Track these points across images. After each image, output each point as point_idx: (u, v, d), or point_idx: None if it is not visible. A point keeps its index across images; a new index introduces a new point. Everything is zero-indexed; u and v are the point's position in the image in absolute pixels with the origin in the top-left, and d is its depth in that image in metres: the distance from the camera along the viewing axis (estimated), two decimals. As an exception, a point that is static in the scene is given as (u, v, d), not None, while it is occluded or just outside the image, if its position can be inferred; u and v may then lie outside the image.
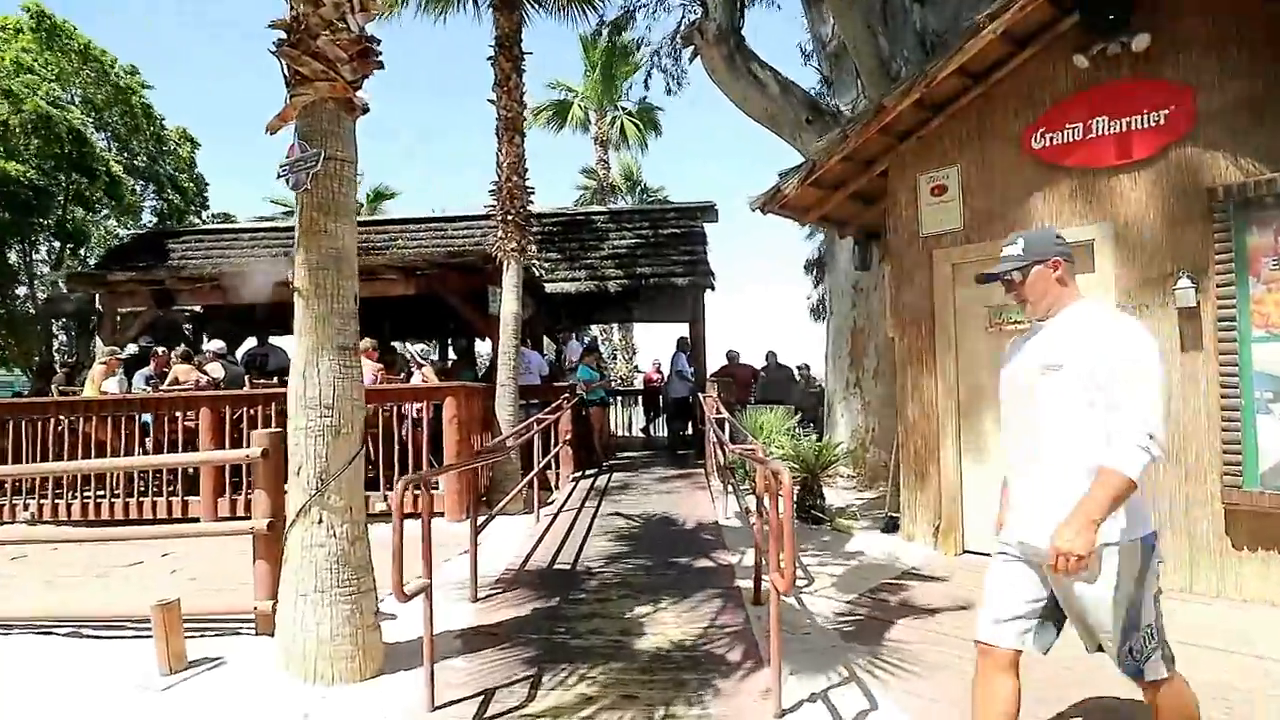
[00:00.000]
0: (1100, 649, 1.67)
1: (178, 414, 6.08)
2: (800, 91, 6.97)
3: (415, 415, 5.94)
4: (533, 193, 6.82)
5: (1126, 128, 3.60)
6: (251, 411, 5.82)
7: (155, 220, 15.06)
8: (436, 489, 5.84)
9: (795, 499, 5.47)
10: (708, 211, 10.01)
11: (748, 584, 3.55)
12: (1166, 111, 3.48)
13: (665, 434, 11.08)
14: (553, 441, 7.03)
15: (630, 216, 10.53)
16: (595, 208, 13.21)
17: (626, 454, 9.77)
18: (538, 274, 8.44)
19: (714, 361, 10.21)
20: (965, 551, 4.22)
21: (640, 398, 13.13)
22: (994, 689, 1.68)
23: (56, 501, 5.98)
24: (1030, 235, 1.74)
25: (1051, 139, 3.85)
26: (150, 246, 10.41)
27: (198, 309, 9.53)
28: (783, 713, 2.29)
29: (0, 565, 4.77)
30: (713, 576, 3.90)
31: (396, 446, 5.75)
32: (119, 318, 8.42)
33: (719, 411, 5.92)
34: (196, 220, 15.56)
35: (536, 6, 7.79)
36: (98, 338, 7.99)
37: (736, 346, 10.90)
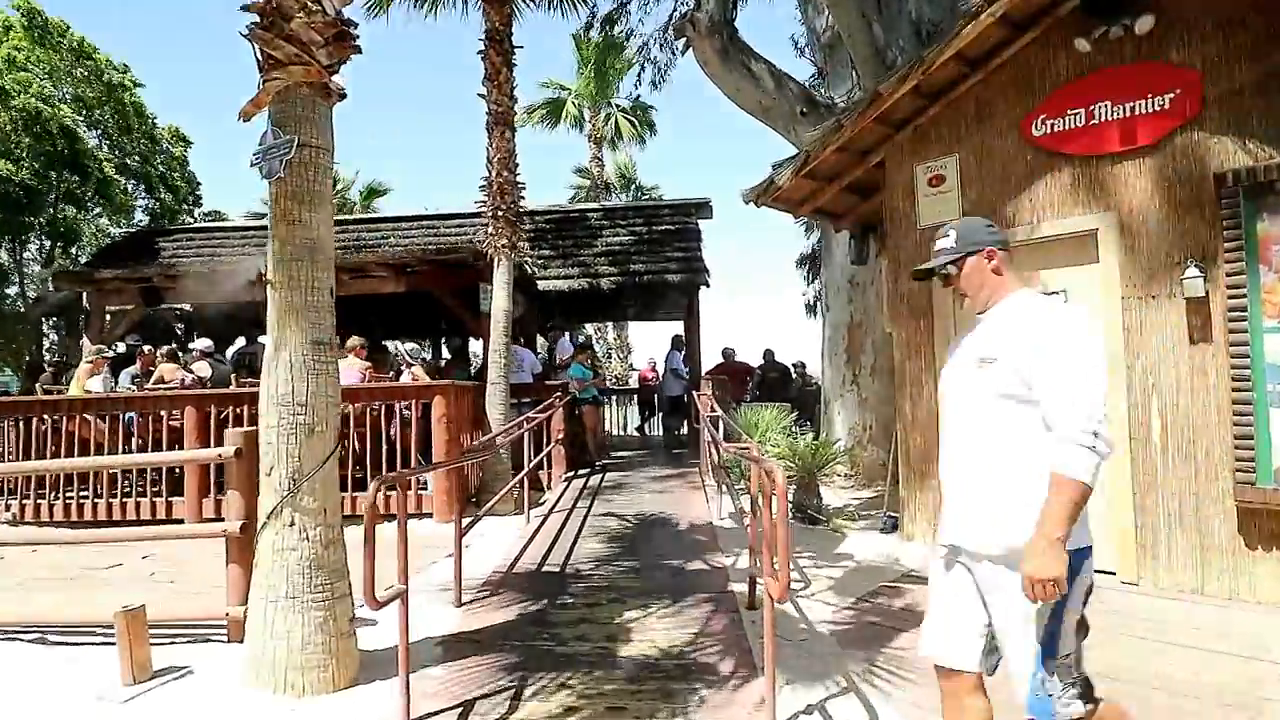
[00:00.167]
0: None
1: (162, 413, 5.97)
2: (795, 84, 6.86)
3: (404, 414, 5.83)
4: (524, 188, 6.72)
5: (1130, 113, 3.49)
6: (237, 410, 5.70)
7: (147, 219, 14.91)
8: (425, 489, 5.74)
9: (792, 499, 5.42)
10: (702, 208, 9.90)
11: (742, 588, 3.44)
12: (1171, 95, 3.37)
13: (660, 433, 10.97)
14: (545, 441, 6.93)
15: (624, 213, 10.43)
16: (589, 204, 13.10)
17: (621, 453, 9.66)
18: (530, 271, 8.32)
19: (709, 359, 10.11)
20: (966, 551, 4.10)
21: (635, 396, 13.03)
22: (967, 716, 1.55)
23: (39, 502, 5.88)
24: (962, 225, 1.66)
25: (1052, 126, 3.74)
26: (142, 245, 10.29)
27: (187, 307, 9.40)
28: (777, 725, 2.17)
29: (-25, 569, 4.65)
30: (706, 580, 3.78)
31: (385, 446, 5.65)
32: (108, 316, 8.30)
33: (713, 410, 5.81)
34: (189, 219, 15.42)
35: (528, 0, 7.68)
36: (85, 336, 7.86)
37: (732, 344, 10.80)
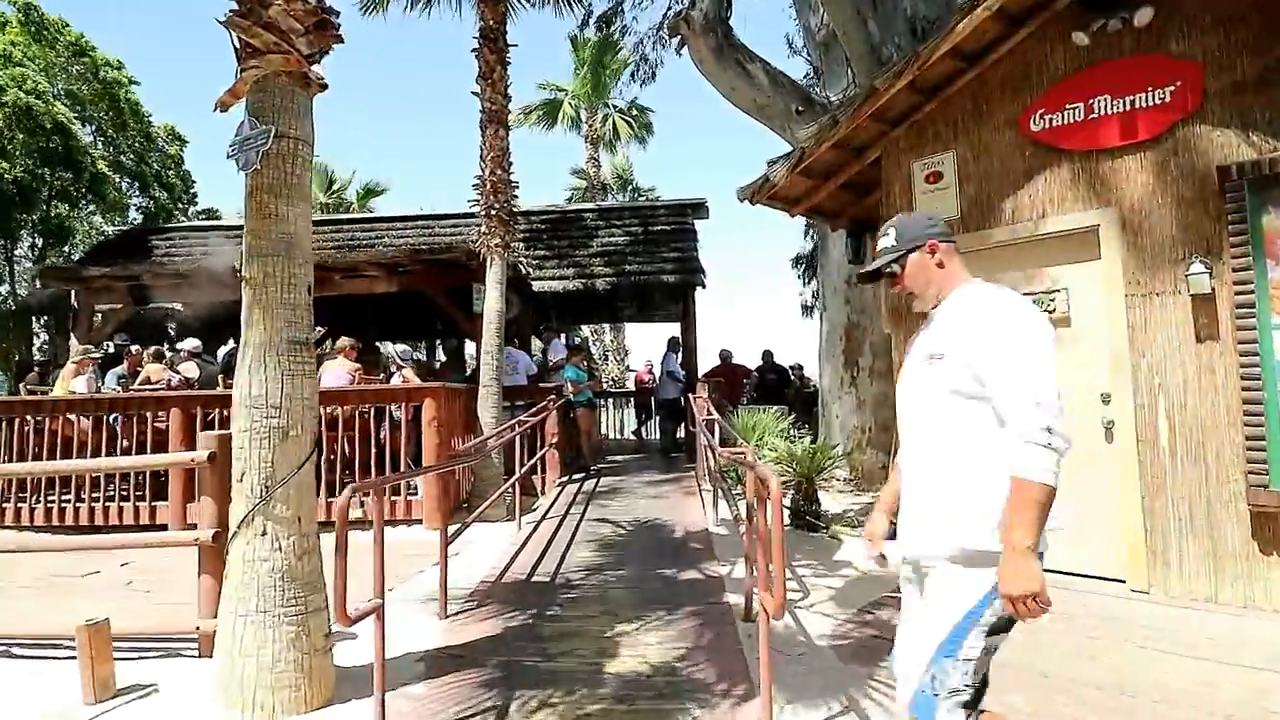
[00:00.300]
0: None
1: (147, 414, 5.84)
2: (790, 82, 6.79)
3: (394, 417, 5.72)
4: (517, 187, 6.63)
5: (1130, 106, 3.41)
6: (224, 413, 5.57)
7: (141, 218, 14.78)
8: (415, 494, 5.62)
9: (789, 505, 5.31)
10: (698, 209, 9.82)
11: (738, 599, 3.32)
12: (1172, 88, 3.29)
13: (657, 436, 10.86)
14: (539, 445, 6.81)
15: (620, 213, 10.35)
16: (585, 205, 13.02)
17: (617, 457, 9.54)
18: (525, 271, 8.23)
19: (706, 362, 10.01)
20: (967, 557, 3.99)
21: (632, 399, 12.92)
22: None
23: (19, 506, 5.74)
24: (900, 222, 1.58)
25: (1051, 121, 3.66)
26: (135, 243, 10.16)
27: (178, 307, 9.27)
28: (773, 746, 2.06)
29: (-53, 579, 4.50)
30: (701, 590, 3.67)
31: (374, 449, 5.53)
32: (98, 316, 8.17)
33: (709, 413, 5.70)
34: (183, 218, 15.27)
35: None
36: (72, 335, 7.73)
37: (729, 346, 10.71)
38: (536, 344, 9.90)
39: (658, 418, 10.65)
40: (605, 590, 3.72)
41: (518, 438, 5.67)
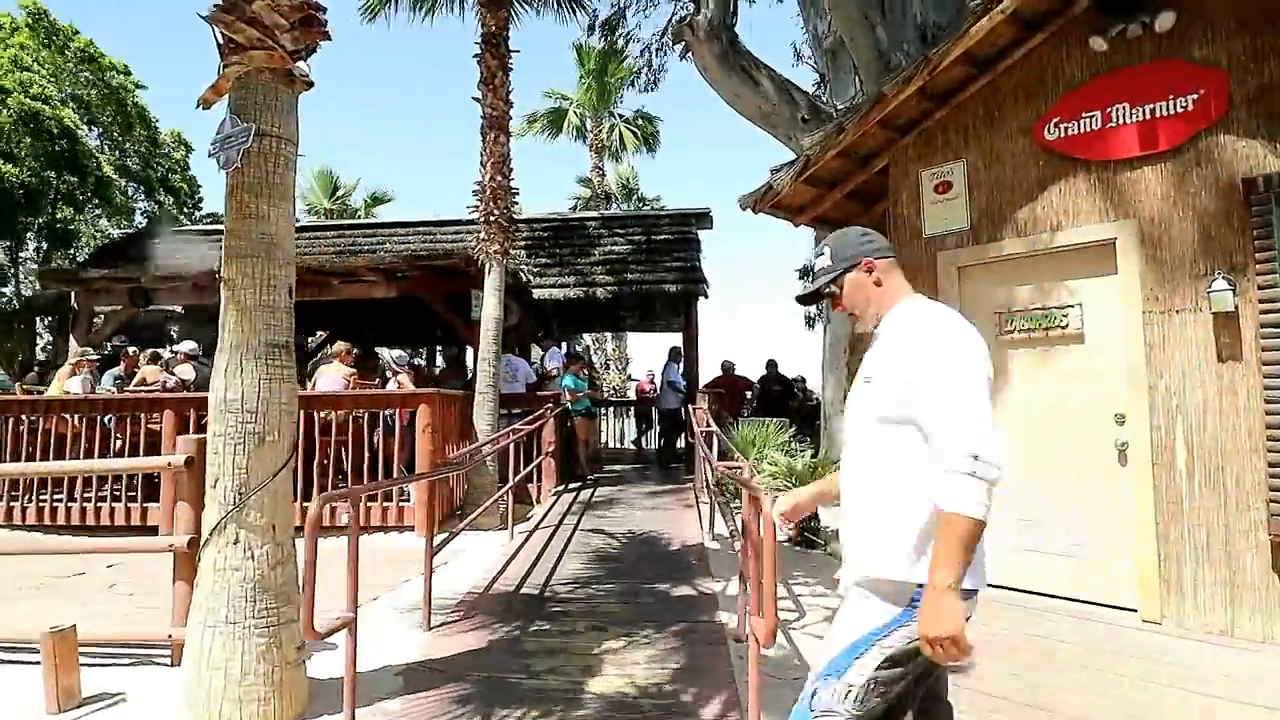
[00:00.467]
0: None
1: (141, 416, 5.80)
2: (797, 90, 6.71)
3: (389, 423, 5.64)
4: (517, 193, 6.58)
5: (1150, 115, 3.29)
6: (216, 417, 5.51)
7: (146, 222, 14.90)
8: (407, 500, 5.53)
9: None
10: (702, 218, 9.74)
11: (731, 618, 3.19)
12: (1195, 96, 3.18)
13: (657, 447, 10.73)
14: (535, 453, 6.71)
15: (623, 222, 10.27)
16: (587, 213, 12.99)
17: (615, 467, 9.41)
18: (525, 279, 8.16)
19: (708, 372, 9.89)
20: (973, 580, 3.84)
21: (632, 409, 12.80)
22: None
23: (11, 504, 5.70)
24: (835, 240, 1.50)
25: (1066, 129, 3.55)
26: (138, 246, 10.19)
27: (179, 309, 9.27)
28: (762, 781, 1.93)
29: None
30: (693, 607, 3.54)
31: (368, 454, 5.46)
32: (100, 318, 8.17)
33: (708, 425, 5.58)
34: (188, 223, 15.40)
35: (525, 5, 7.60)
36: (72, 337, 7.72)
37: (732, 356, 10.59)
38: (537, 352, 9.82)
39: (658, 428, 10.53)
40: (595, 604, 3.60)
41: (512, 446, 5.57)
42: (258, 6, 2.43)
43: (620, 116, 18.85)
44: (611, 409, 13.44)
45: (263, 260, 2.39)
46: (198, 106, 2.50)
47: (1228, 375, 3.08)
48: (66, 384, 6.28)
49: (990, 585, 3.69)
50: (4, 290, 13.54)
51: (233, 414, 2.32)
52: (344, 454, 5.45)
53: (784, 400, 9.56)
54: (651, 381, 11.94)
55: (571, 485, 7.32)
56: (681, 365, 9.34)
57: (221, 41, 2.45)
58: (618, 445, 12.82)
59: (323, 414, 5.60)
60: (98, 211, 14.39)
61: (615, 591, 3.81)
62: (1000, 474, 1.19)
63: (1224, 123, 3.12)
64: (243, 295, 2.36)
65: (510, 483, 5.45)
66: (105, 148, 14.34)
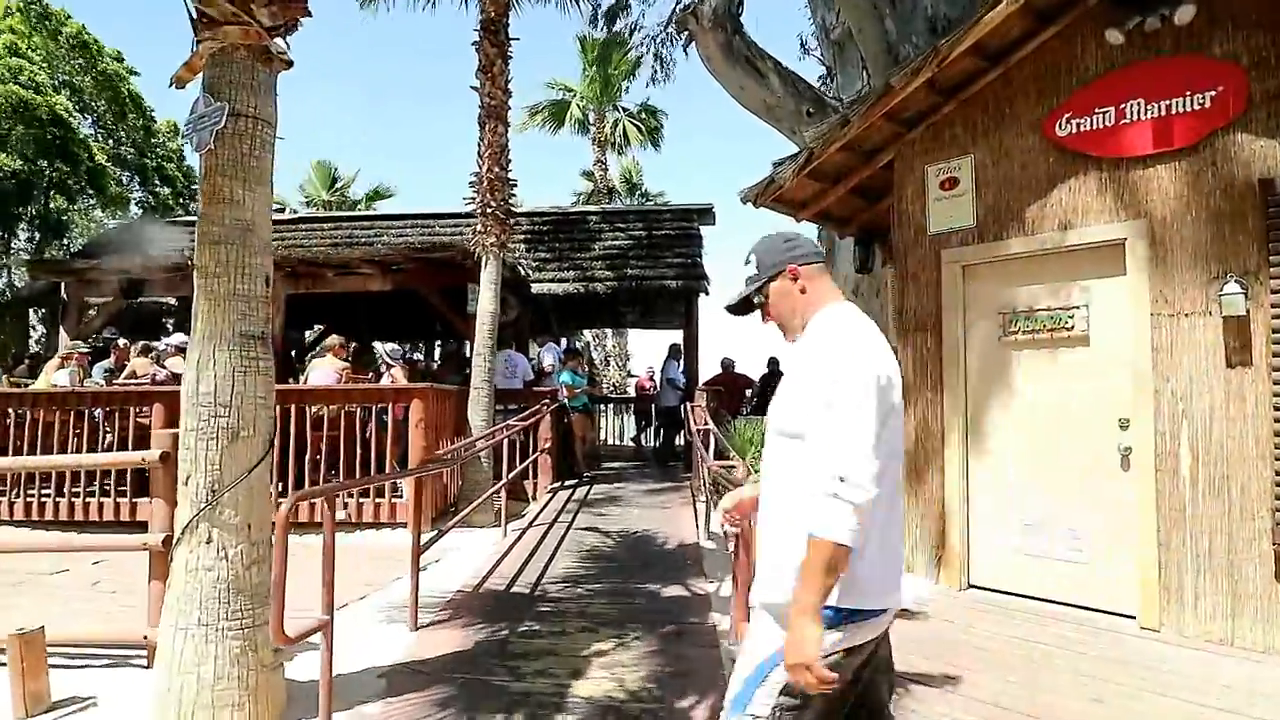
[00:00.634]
0: None
1: (131, 409, 5.71)
2: (802, 83, 6.58)
3: (382, 418, 5.55)
4: (515, 185, 6.47)
5: (1165, 112, 3.19)
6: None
7: (142, 213, 14.76)
8: (400, 496, 5.45)
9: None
10: (704, 214, 9.62)
11: (724, 618, 3.12)
12: (1213, 93, 3.07)
13: (657, 444, 10.66)
14: (532, 449, 6.63)
15: (624, 216, 10.17)
16: (588, 207, 12.86)
17: (613, 464, 9.34)
18: (524, 273, 8.06)
19: (708, 369, 9.80)
20: (971, 586, 3.77)
21: (632, 405, 12.72)
22: None
23: (-1, 500, 5.62)
24: (760, 247, 1.44)
25: (1078, 125, 3.44)
26: (132, 236, 10.08)
27: (173, 301, 9.17)
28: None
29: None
30: (686, 608, 3.47)
31: (360, 450, 5.38)
32: (93, 310, 8.07)
33: (705, 423, 5.50)
34: (184, 213, 15.28)
35: (525, -10, 7.47)
36: (61, 328, 7.62)
37: (733, 354, 10.49)
38: (535, 349, 9.73)
39: (657, 425, 10.45)
40: (586, 605, 3.53)
41: (506, 442, 5.49)
42: (234, -20, 2.33)
43: (624, 110, 18.67)
44: (611, 406, 13.36)
45: (237, 247, 2.29)
46: (171, 85, 2.40)
47: (1236, 381, 2.99)
48: (54, 377, 6.20)
49: (990, 590, 3.66)
50: (-4, 281, 13.45)
51: (205, 407, 2.23)
52: (337, 449, 5.38)
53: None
54: (651, 378, 11.86)
55: (568, 482, 7.25)
56: (681, 362, 9.25)
57: (195, 16, 2.34)
58: (617, 442, 12.75)
59: (314, 409, 5.52)
60: (92, 201, 14.24)
61: (607, 591, 3.74)
62: (870, 497, 1.12)
63: (1242, 121, 3.01)
64: (216, 283, 2.27)
65: (504, 479, 5.37)
66: (99, 136, 14.17)
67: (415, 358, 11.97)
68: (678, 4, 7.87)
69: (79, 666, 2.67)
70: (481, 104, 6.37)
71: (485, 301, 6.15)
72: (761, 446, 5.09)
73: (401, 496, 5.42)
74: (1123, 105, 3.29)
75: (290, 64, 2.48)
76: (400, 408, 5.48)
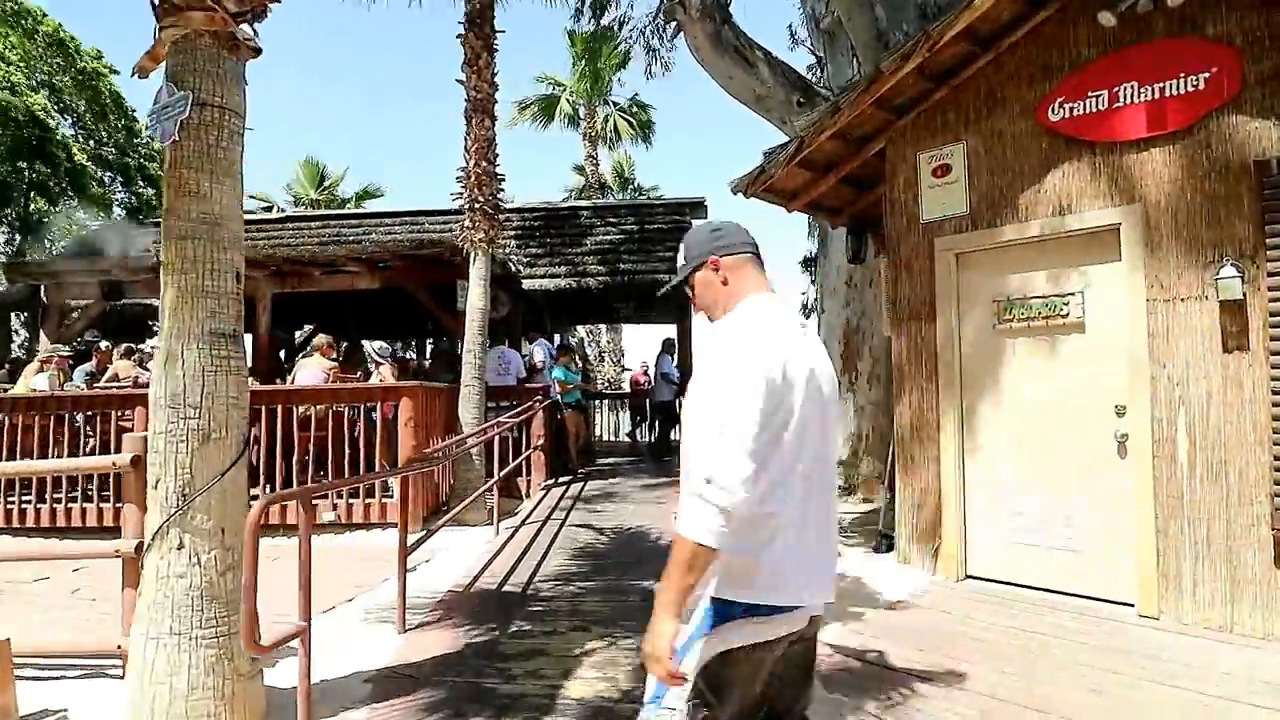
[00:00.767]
0: None
1: (113, 413, 5.60)
2: (792, 73, 6.51)
3: (371, 417, 5.47)
4: (503, 180, 6.37)
5: (1159, 95, 3.14)
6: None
7: (125, 214, 14.51)
8: (390, 495, 5.37)
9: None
10: (697, 207, 9.55)
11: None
12: (1207, 75, 3.02)
13: (652, 439, 10.60)
14: (524, 446, 6.56)
15: (616, 211, 10.08)
16: (579, 202, 12.75)
17: (608, 460, 9.28)
18: (515, 269, 7.96)
19: (702, 364, 9.71)
20: (969, 577, 3.73)
21: (626, 401, 12.65)
22: None
23: (-21, 507, 5.51)
24: (689, 237, 1.45)
25: (1071, 110, 3.39)
26: (116, 238, 9.91)
27: (155, 302, 9.01)
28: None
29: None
30: (679, 606, 3.40)
31: (348, 451, 5.29)
32: (75, 314, 7.93)
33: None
34: None
35: (512, -17, 7.34)
36: (42, 332, 7.49)
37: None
38: (526, 345, 9.64)
39: (651, 420, 10.39)
40: (578, 603, 3.47)
41: (498, 439, 5.42)
42: (196, -38, 2.23)
43: (615, 104, 18.52)
44: (606, 401, 13.29)
45: (205, 242, 2.21)
46: (133, 75, 2.31)
47: (1233, 366, 2.96)
48: (33, 381, 6.07)
49: (988, 580, 3.62)
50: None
51: (173, 409, 2.15)
52: (326, 450, 5.29)
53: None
54: (646, 373, 11.80)
55: (562, 479, 7.18)
56: (675, 357, 9.19)
57: (157, 1, 2.25)
58: (612, 438, 12.69)
59: (302, 409, 5.43)
60: (73, 202, 13.97)
61: (600, 589, 3.68)
62: (735, 503, 1.10)
63: (1236, 103, 2.97)
64: (183, 280, 2.18)
65: (495, 477, 5.30)
66: (79, 137, 13.88)
67: (409, 357, 11.85)
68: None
69: (53, 678, 2.59)
70: (467, 98, 6.27)
71: (475, 298, 6.06)
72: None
73: (392, 496, 5.34)
74: (1116, 89, 3.24)
75: (258, 51, 2.38)
76: (389, 406, 5.40)
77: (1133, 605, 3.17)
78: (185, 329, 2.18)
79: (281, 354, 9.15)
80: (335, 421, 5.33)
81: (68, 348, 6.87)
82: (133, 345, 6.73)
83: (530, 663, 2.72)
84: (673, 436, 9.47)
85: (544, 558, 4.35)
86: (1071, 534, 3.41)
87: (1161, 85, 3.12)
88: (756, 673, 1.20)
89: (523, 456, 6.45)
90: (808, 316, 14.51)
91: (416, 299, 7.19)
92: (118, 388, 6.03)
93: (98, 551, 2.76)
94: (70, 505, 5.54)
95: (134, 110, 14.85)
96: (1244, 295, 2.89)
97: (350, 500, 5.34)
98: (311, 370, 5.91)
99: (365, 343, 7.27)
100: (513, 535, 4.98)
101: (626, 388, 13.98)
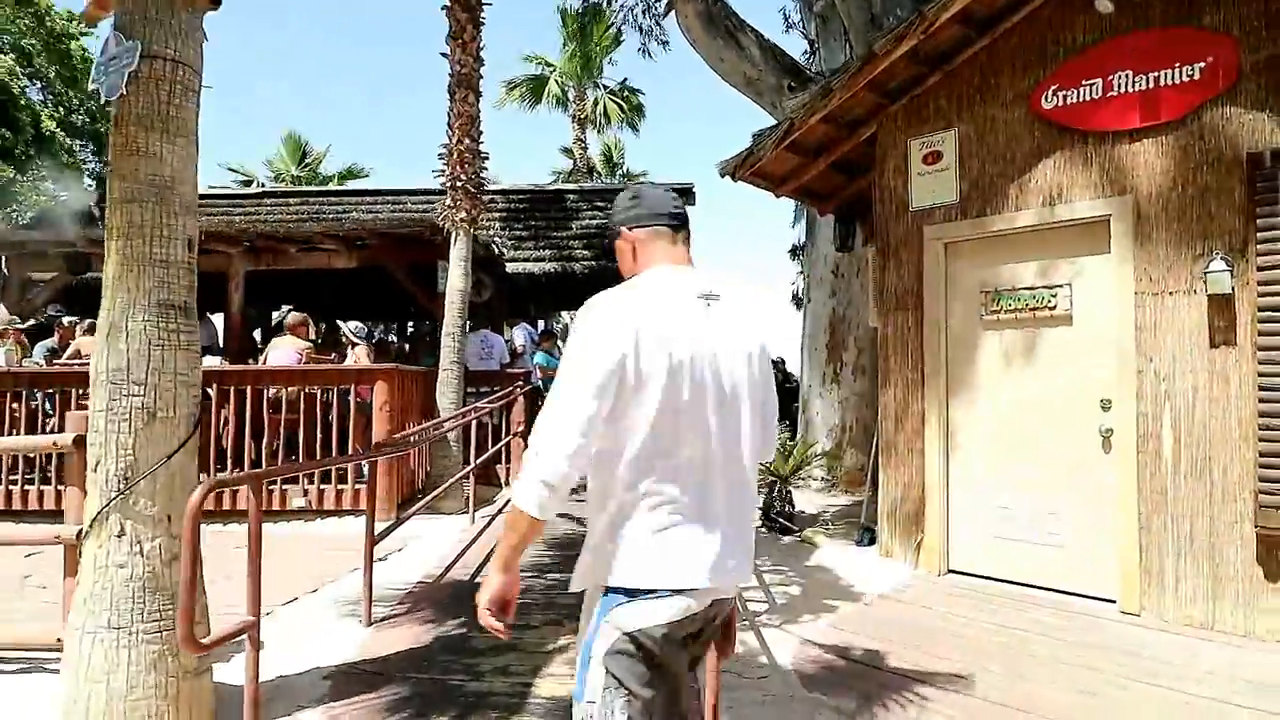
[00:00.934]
0: None
1: (73, 391, 5.37)
2: (784, 56, 6.38)
3: (346, 400, 5.30)
4: (487, 158, 6.17)
5: (1154, 84, 3.07)
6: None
7: (95, 184, 13.96)
8: (364, 482, 5.23)
9: (761, 506, 5.01)
10: (685, 194, 9.39)
11: (695, 610, 2.98)
12: (1202, 65, 2.96)
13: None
14: (504, 432, 6.44)
15: (603, 194, 9.90)
16: (566, 185, 12.53)
17: (591, 449, 9.15)
18: (498, 251, 7.78)
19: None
20: (951, 571, 3.70)
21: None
22: None
23: (-76, 488, 5.27)
24: (615, 205, 1.41)
25: (1065, 98, 3.32)
26: (81, 209, 9.51)
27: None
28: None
29: None
30: (657, 598, 3.33)
31: (320, 434, 5.13)
32: (39, 286, 7.59)
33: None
34: None
35: (500, -45, 7.09)
36: (0, 305, 7.15)
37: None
38: (509, 329, 9.47)
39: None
40: (553, 595, 3.37)
41: (475, 425, 5.28)
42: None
43: (605, 87, 18.20)
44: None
45: (153, 206, 2.04)
46: (77, 23, 2.13)
47: (1220, 361, 2.93)
48: (-11, 355, 5.79)
49: (970, 574, 3.60)
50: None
51: (115, 385, 2.00)
52: (297, 433, 5.13)
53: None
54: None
55: (541, 467, 7.06)
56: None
57: (104, -55, 2.07)
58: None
59: (273, 390, 5.25)
60: (42, 172, 13.38)
61: (575, 582, 3.59)
62: (555, 476, 1.12)
63: (1231, 94, 2.92)
64: (129, 246, 2.02)
65: (472, 464, 5.17)
66: (48, 103, 13.27)
67: (390, 340, 11.61)
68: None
69: (-10, 670, 2.44)
70: (451, 72, 6.04)
71: (455, 279, 5.89)
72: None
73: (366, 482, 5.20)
74: (1110, 77, 3.17)
75: (217, 3, 2.21)
76: (364, 389, 5.24)
77: (1114, 601, 3.16)
78: (130, 299, 2.02)
79: (257, 334, 8.88)
80: (308, 404, 5.16)
81: (24, 321, 6.58)
82: (96, 322, 6.45)
83: (500, 658, 2.63)
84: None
85: (520, 547, 4.25)
86: (1054, 529, 3.39)
87: (1156, 74, 3.06)
88: (664, 654, 1.16)
89: (502, 443, 6.33)
90: (798, 308, 14.45)
91: (396, 279, 6.98)
92: (79, 365, 5.78)
93: (40, 537, 2.60)
94: (27, 487, 5.32)
95: (104, 76, 14.18)
96: (1232, 289, 2.86)
97: (322, 486, 5.18)
98: (284, 350, 5.70)
99: (341, 323, 7.06)
100: (489, 524, 4.87)
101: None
